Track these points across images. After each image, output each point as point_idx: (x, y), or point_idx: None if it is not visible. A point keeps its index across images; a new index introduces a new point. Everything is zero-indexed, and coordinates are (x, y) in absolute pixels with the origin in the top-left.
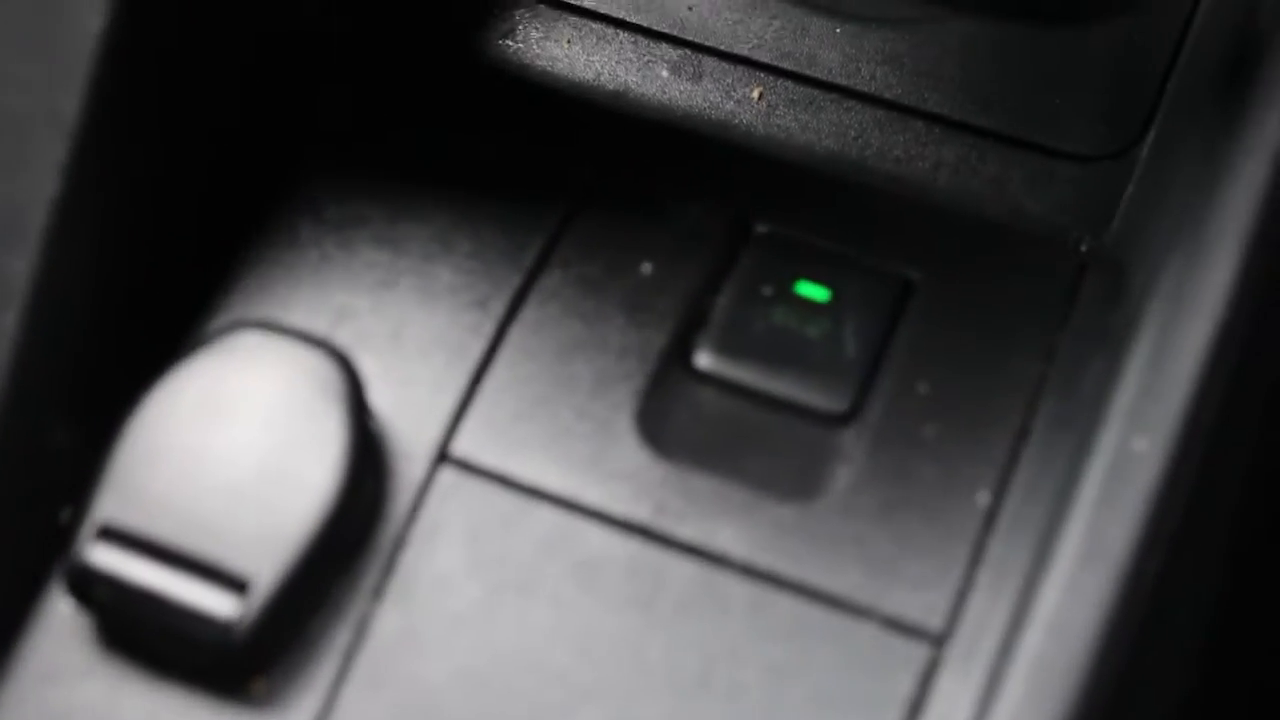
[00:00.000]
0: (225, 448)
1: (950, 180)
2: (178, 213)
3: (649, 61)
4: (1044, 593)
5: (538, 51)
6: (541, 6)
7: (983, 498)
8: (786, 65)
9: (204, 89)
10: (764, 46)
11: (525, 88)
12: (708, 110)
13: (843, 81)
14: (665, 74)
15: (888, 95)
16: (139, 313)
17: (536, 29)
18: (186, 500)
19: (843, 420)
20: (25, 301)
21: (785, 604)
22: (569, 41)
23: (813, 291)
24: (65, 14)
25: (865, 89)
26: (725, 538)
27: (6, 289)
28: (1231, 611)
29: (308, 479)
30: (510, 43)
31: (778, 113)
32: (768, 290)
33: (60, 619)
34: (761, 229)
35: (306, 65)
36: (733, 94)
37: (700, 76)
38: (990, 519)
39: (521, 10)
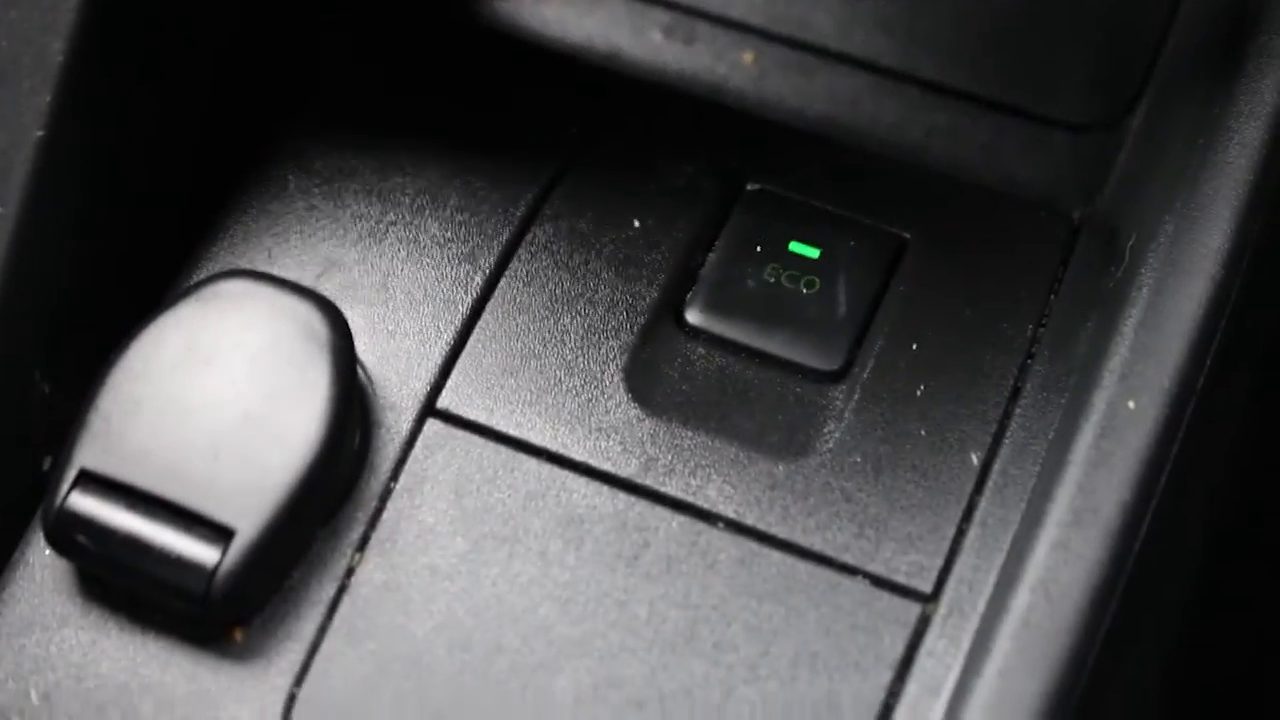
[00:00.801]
0: (209, 396)
1: (942, 147)
2: (164, 160)
3: (641, 25)
4: (1034, 553)
5: (531, 12)
6: None
7: (974, 457)
8: (780, 29)
9: (196, 34)
10: (757, 10)
11: (518, 46)
12: (700, 73)
13: (836, 47)
14: (658, 37)
15: (881, 61)
16: (123, 260)
17: None
18: (168, 448)
19: (833, 378)
20: (8, 246)
21: (773, 561)
22: (563, 3)
23: (804, 250)
24: None
25: (859, 54)
26: (713, 494)
27: None
28: (1212, 574)
29: (293, 429)
30: (505, 3)
31: (770, 77)
32: (759, 248)
33: (40, 567)
34: (753, 187)
35: (306, 13)
36: (725, 57)
37: (693, 40)
38: (981, 479)
39: None
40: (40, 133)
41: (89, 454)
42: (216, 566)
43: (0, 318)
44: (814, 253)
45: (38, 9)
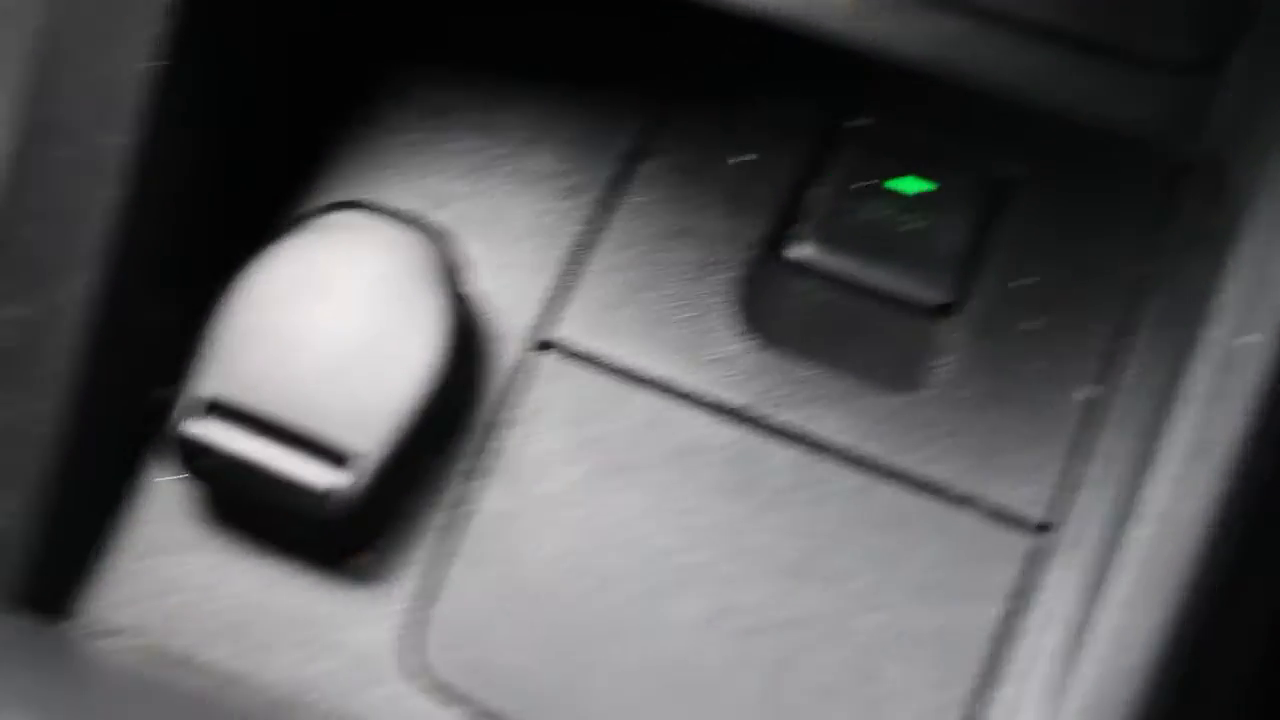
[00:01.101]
0: (326, 325)
1: (1042, 88)
2: (273, 92)
3: None
4: (1152, 486)
5: None
6: None
7: (1086, 391)
8: None
9: None
10: None
11: None
12: (796, 14)
13: None
14: None
15: (978, 2)
16: (235, 192)
17: None
18: (289, 376)
19: (943, 312)
20: (123, 177)
21: (886, 492)
22: None
23: (912, 185)
24: None
25: None
26: (826, 425)
27: (104, 165)
28: None
29: (409, 357)
30: None
31: (868, 18)
32: (866, 183)
33: (166, 493)
34: (859, 123)
35: None
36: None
37: None
38: (1094, 413)
39: None
40: (153, 64)
41: (212, 381)
42: (337, 491)
43: (119, 249)
44: (922, 188)
45: None
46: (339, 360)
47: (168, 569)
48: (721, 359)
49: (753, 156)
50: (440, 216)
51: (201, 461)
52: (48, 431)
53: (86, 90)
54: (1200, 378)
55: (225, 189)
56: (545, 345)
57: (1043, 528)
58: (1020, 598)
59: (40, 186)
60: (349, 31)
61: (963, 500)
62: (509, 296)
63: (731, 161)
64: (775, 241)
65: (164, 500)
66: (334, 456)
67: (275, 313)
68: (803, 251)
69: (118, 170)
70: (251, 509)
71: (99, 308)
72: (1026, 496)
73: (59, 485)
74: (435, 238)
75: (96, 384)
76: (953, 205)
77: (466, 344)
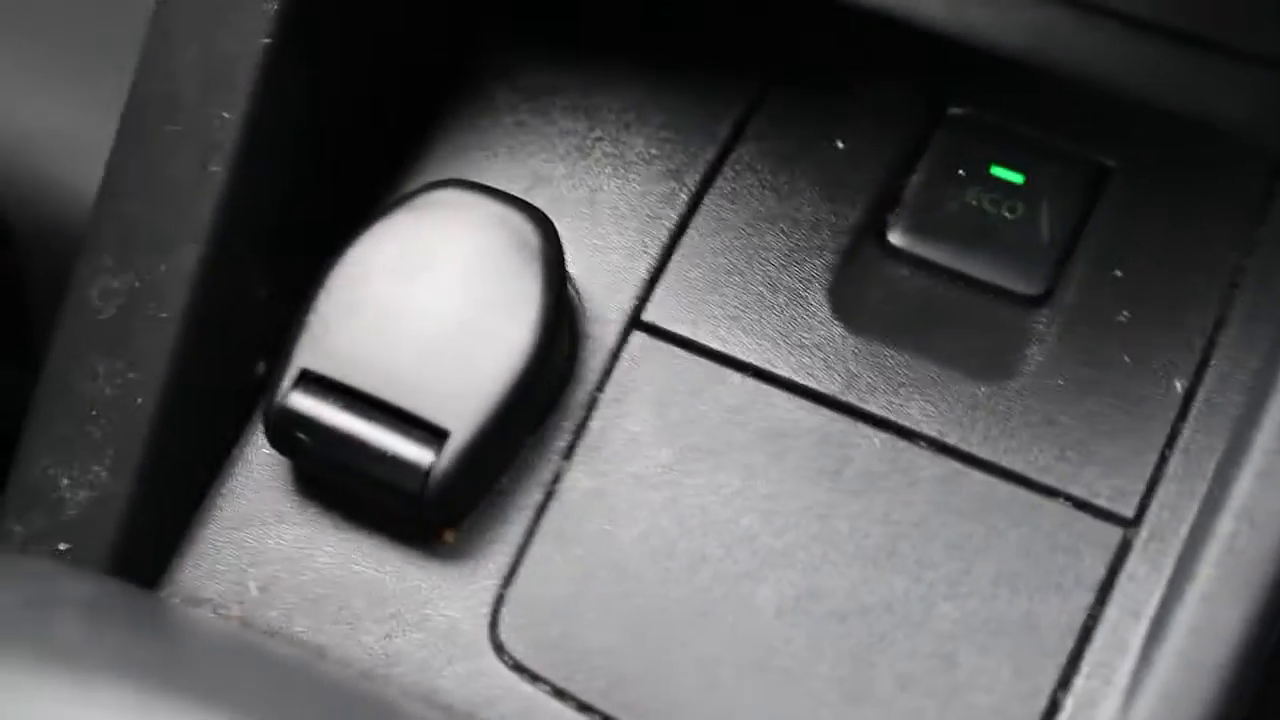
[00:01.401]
0: (424, 301)
1: (1140, 81)
2: (379, 70)
3: None
4: (1239, 480)
5: None
6: None
7: (1177, 384)
8: None
9: None
10: None
11: None
12: (891, 3)
13: None
14: None
15: None
16: (337, 169)
17: None
18: (385, 351)
19: (1036, 302)
20: (232, 152)
21: (974, 481)
22: None
23: (1007, 174)
24: None
25: None
26: (915, 412)
27: (214, 139)
28: None
29: (506, 336)
30: None
31: (965, 7)
32: (961, 171)
33: (259, 465)
34: (955, 111)
35: None
36: None
37: None
38: (1184, 406)
39: None
40: (266, 40)
41: (308, 355)
42: (431, 467)
43: (222, 223)
44: (1017, 178)
45: None
46: (436, 337)
47: (258, 541)
48: (812, 344)
49: (850, 142)
50: (539, 197)
51: (295, 433)
52: (147, 402)
53: (196, 66)
54: None
55: (329, 166)
56: (639, 326)
57: (1130, 520)
58: (1104, 590)
59: (148, 159)
60: (455, 12)
61: (1051, 491)
62: (604, 278)
63: (828, 146)
64: (870, 228)
65: (256, 472)
66: (429, 432)
67: (374, 288)
68: (897, 238)
69: (225, 145)
70: (343, 483)
71: (202, 281)
72: (1115, 489)
73: (155, 455)
74: (535, 217)
75: (196, 356)
76: (1048, 195)
77: (562, 324)
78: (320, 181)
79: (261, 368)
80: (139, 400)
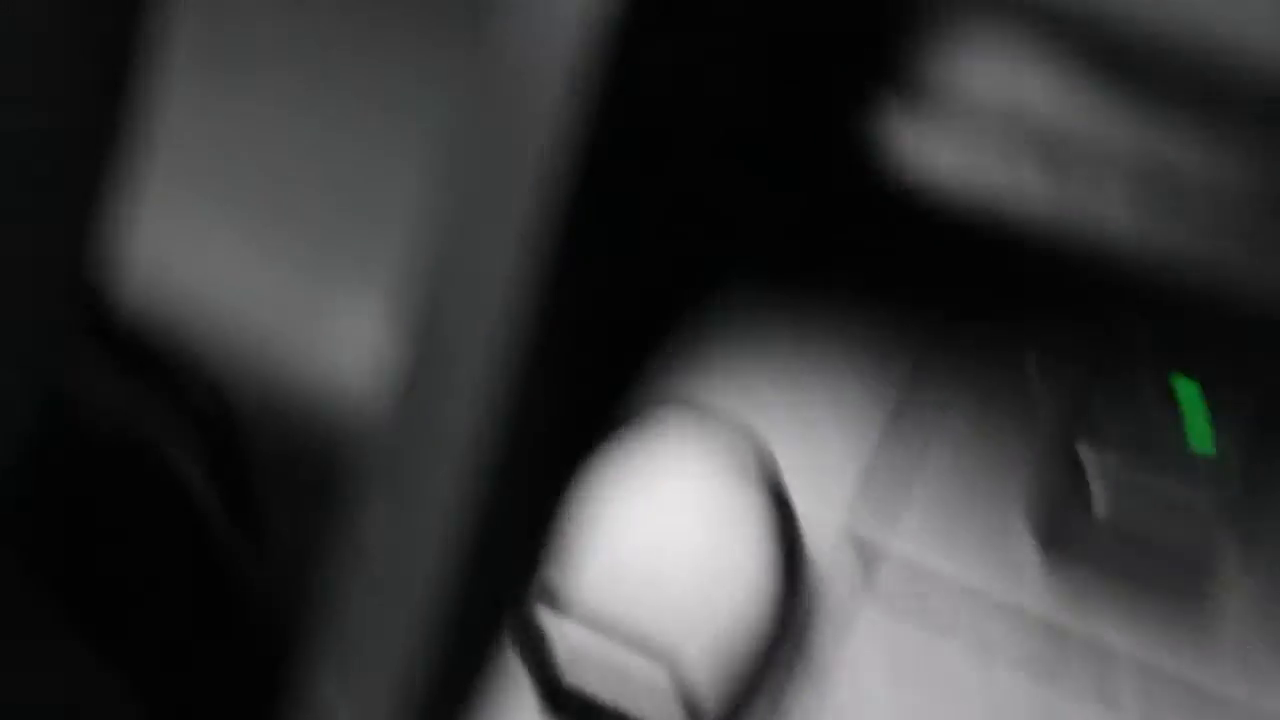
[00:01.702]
0: (667, 530)
1: None
2: (628, 279)
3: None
4: None
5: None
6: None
7: None
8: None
9: (670, 162)
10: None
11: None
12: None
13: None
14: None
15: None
16: (572, 382)
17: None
18: (629, 579)
19: (1228, 516)
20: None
21: (1180, 703)
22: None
23: (1189, 389)
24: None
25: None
26: (1118, 635)
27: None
28: None
29: (748, 580)
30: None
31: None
32: (1146, 387)
33: (507, 678)
34: (1138, 327)
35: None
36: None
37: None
38: None
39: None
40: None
41: (555, 575)
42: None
43: (499, 438)
44: (1196, 393)
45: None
46: (678, 570)
47: None
48: (1014, 563)
49: (1039, 359)
50: (752, 417)
51: (540, 651)
52: (416, 627)
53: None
54: None
55: (563, 379)
56: (851, 545)
57: None
58: None
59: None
60: (688, 239)
61: (1259, 717)
62: (813, 496)
63: (1016, 364)
64: (1061, 445)
65: (504, 686)
66: (668, 662)
67: (616, 512)
68: (1087, 454)
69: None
70: (586, 704)
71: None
72: None
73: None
74: (754, 440)
75: (461, 583)
76: (1232, 409)
77: (796, 559)
78: (554, 395)
79: (514, 582)
80: (409, 624)
